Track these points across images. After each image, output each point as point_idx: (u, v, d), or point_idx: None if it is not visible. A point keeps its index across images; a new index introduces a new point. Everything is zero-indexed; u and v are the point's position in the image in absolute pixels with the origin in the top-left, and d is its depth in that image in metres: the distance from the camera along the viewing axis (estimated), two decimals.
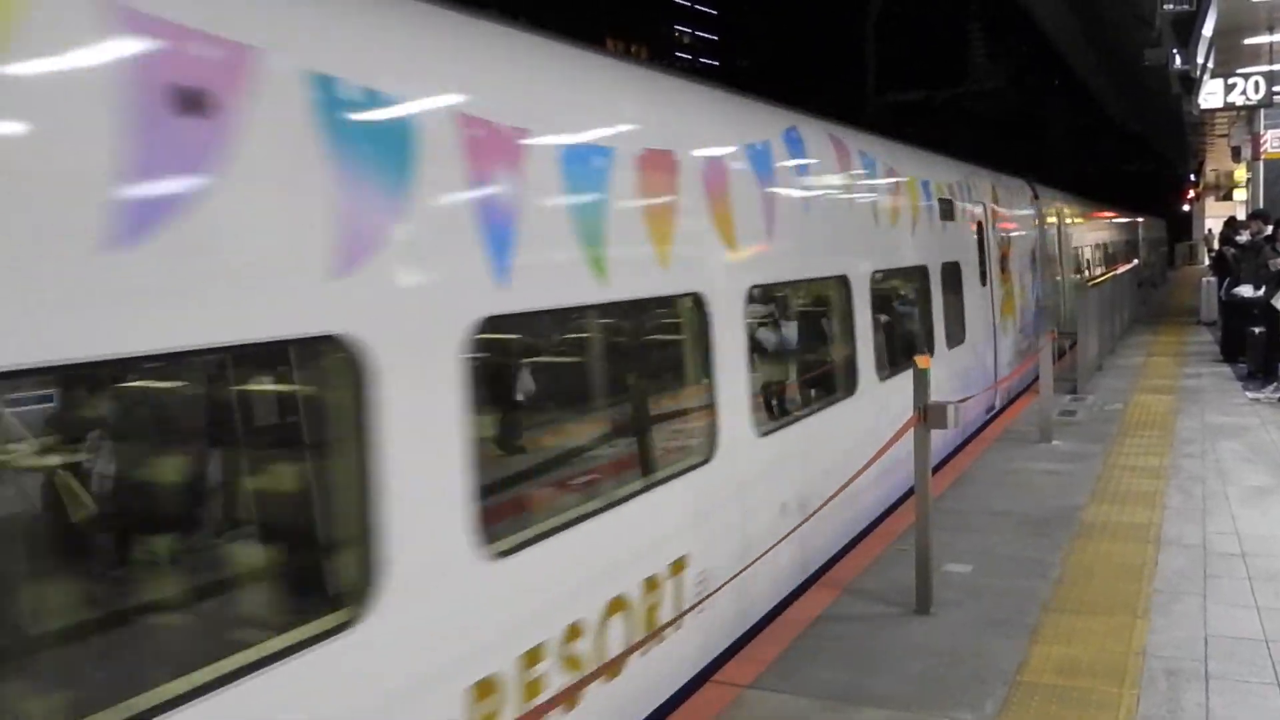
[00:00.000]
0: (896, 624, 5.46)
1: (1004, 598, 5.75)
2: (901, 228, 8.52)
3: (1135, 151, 58.81)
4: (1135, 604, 5.58)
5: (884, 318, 8.27)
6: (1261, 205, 18.41)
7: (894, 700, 4.57)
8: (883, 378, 7.65)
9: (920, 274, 9.16)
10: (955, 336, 10.13)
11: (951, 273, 10.01)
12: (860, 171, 7.61)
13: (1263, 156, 19.30)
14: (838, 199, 7.19)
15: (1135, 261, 27.39)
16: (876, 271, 7.80)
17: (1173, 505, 7.47)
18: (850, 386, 7.30)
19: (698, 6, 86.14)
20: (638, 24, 73.49)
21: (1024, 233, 14.11)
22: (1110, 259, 26.29)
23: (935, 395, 5.67)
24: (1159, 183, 62.54)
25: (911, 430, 5.64)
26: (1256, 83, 16.20)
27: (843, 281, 7.22)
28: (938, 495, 7.57)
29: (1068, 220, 18.76)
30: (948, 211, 10.00)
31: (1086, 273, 21.38)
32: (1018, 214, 13.75)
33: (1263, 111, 18.20)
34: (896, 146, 9.03)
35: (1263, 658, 4.88)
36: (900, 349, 8.62)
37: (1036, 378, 10.43)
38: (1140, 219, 36.91)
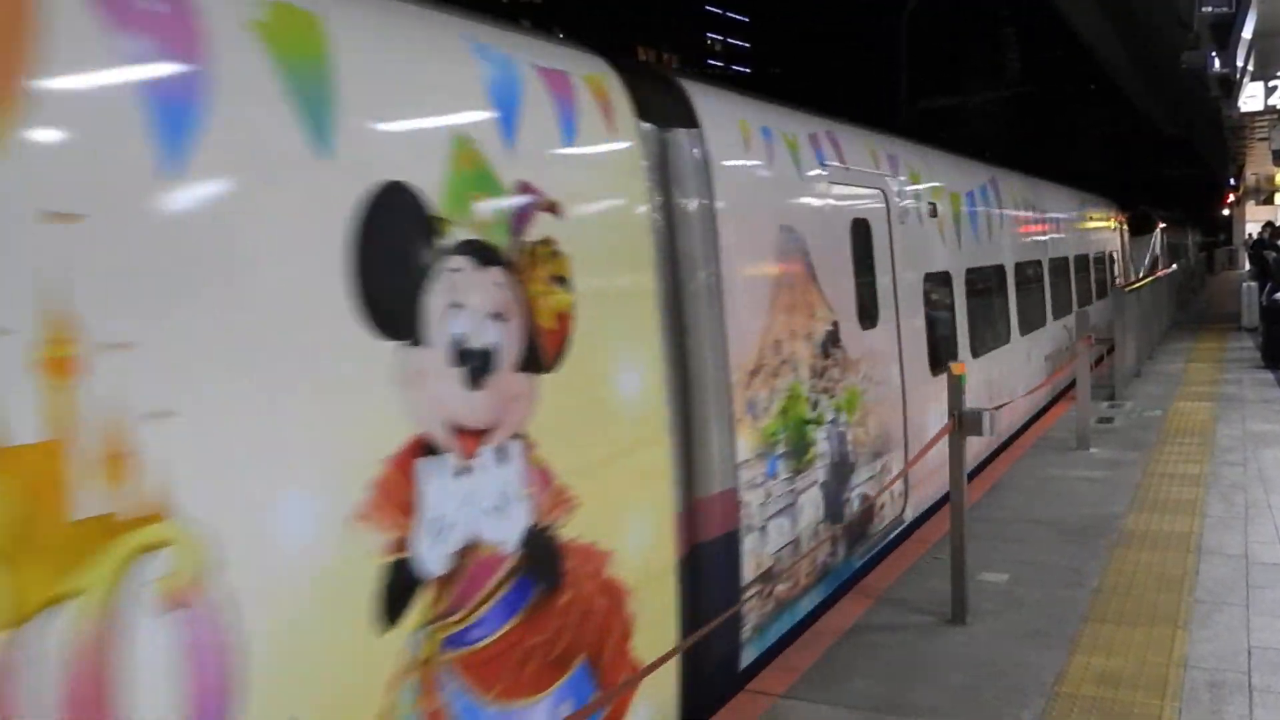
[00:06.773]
0: (933, 634, 5.41)
1: (1042, 608, 5.69)
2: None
3: (1174, 156, 58.09)
4: (1176, 615, 5.50)
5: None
6: None
7: (931, 712, 4.53)
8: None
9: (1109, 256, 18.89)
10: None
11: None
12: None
13: None
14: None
15: (1174, 267, 27.38)
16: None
17: (1214, 514, 7.35)
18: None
19: (729, 14, 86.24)
20: (670, 32, 73.67)
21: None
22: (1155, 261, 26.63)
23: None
24: (1202, 187, 61.74)
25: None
26: None
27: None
28: (973, 503, 7.51)
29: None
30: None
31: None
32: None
33: None
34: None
35: None
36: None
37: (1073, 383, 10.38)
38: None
